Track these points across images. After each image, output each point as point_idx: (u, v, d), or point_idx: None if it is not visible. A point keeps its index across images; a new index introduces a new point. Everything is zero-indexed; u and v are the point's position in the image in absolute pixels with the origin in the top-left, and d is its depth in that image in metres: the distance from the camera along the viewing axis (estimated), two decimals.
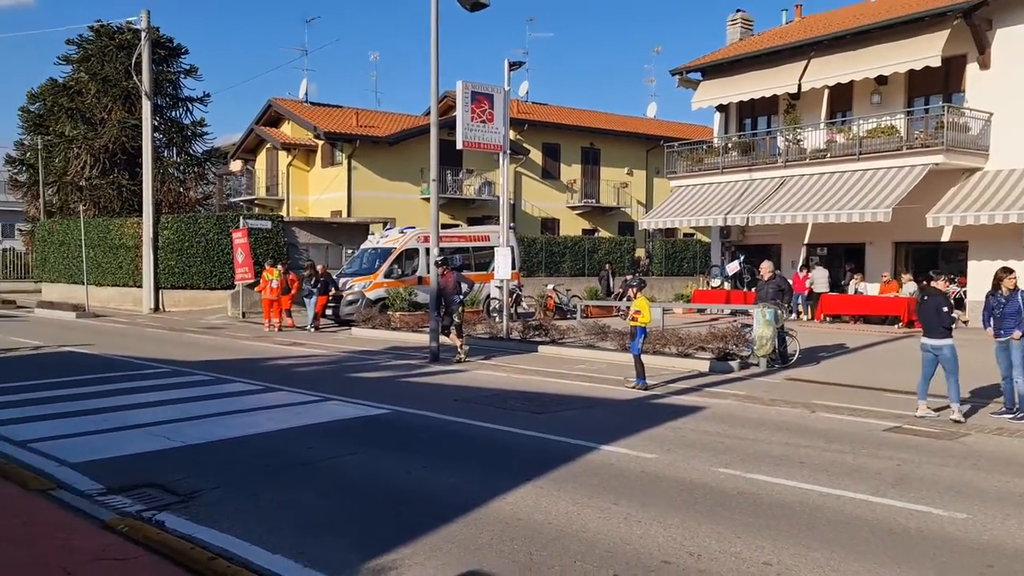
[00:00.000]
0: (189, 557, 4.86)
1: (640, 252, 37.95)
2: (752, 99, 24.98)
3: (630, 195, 41.54)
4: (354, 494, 6.40)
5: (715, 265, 27.40)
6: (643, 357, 11.85)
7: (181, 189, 35.83)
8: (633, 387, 11.59)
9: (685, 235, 40.45)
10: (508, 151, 17.36)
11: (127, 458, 7.37)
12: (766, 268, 14.63)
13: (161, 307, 26.44)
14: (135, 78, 27.65)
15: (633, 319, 11.88)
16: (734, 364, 13.40)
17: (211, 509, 5.93)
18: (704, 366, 13.39)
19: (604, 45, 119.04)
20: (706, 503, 6.15)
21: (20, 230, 50.16)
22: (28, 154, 38.02)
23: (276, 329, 20.27)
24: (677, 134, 37.80)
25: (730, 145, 26.09)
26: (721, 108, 26.89)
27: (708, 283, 27.46)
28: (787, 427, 9.01)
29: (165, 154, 34.68)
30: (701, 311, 24.47)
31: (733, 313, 21.56)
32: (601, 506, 6.05)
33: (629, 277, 29.11)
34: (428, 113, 16.76)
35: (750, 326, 14.18)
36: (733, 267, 25.21)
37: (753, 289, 19.08)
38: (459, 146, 16.48)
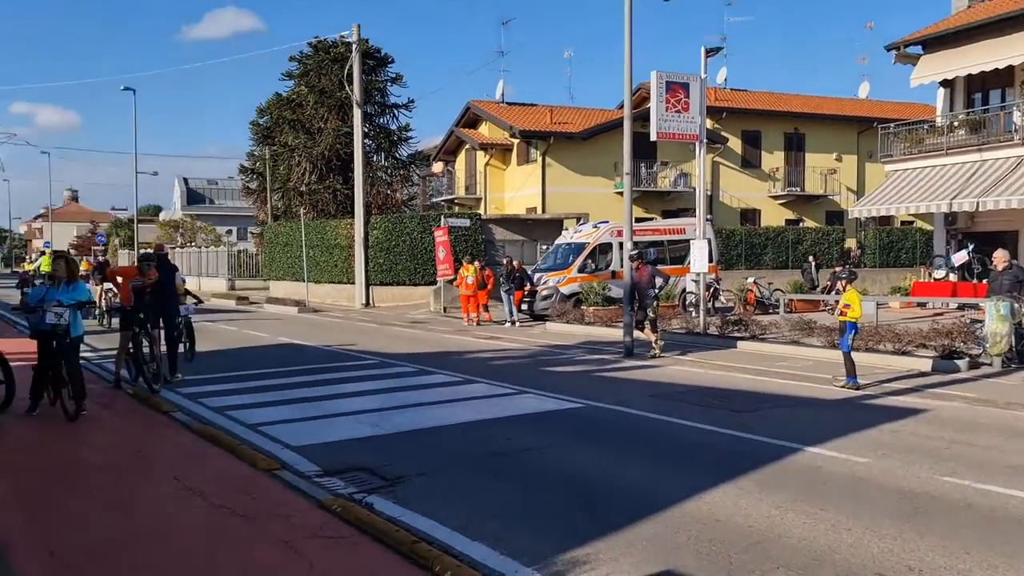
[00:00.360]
0: (394, 539, 5.10)
1: (851, 242, 35.58)
2: (983, 71, 22.57)
3: (838, 182, 39.03)
4: (550, 486, 6.46)
5: (939, 255, 25.11)
6: (854, 355, 11.07)
7: (389, 191, 37.96)
8: (842, 386, 10.87)
9: (903, 223, 37.43)
10: (704, 140, 16.85)
11: (340, 443, 7.88)
12: (1000, 257, 13.22)
13: (371, 302, 28.16)
14: (347, 88, 29.56)
15: (842, 313, 11.12)
16: (961, 363, 12.21)
17: (416, 494, 6.20)
18: (925, 365, 12.30)
19: (809, 25, 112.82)
20: (927, 514, 5.63)
21: (251, 233, 55.47)
22: (257, 163, 41.77)
23: (475, 324, 20.98)
24: (892, 115, 34.97)
25: (956, 123, 23.78)
26: (945, 83, 24.57)
27: (930, 275, 25.19)
28: None
29: (374, 159, 36.91)
30: (922, 305, 22.51)
31: (961, 307, 19.69)
32: (806, 511, 5.70)
33: (838, 269, 27.44)
34: (622, 106, 16.61)
35: (981, 321, 12.88)
36: (960, 257, 22.97)
37: (984, 281, 17.32)
38: (653, 137, 16.21)
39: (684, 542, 5.15)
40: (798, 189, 38.31)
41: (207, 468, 6.88)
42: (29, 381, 8.94)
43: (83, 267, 23.10)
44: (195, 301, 13.88)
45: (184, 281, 12.06)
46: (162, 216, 77.00)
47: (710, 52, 17.20)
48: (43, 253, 36.10)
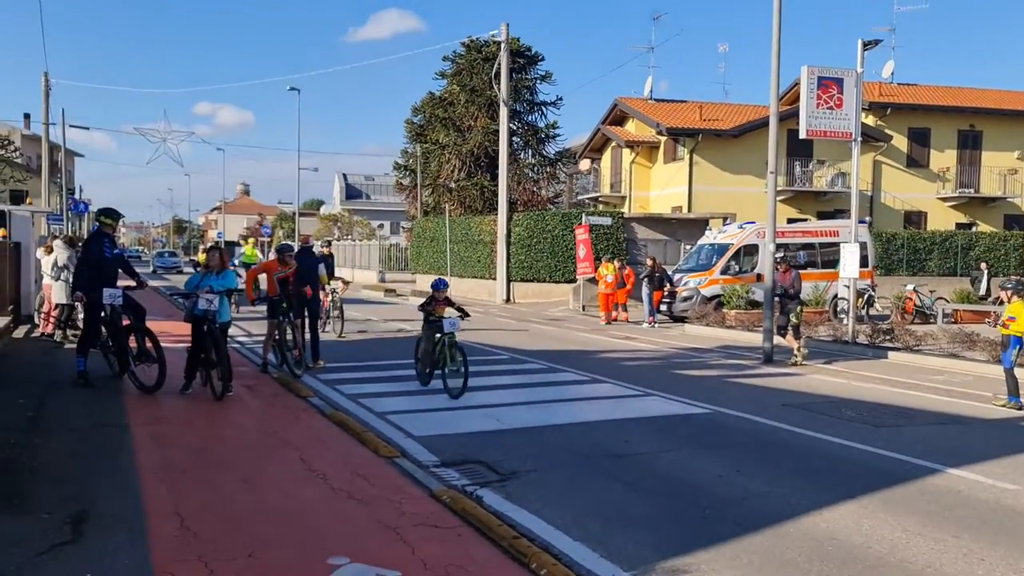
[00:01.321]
0: (496, 533, 5.18)
1: None
2: None
3: (1020, 183, 35.85)
4: (662, 491, 6.34)
5: None
6: (1019, 371, 10.18)
7: (535, 188, 38.37)
8: (1003, 405, 10.03)
9: None
10: (859, 138, 15.95)
11: (461, 435, 8.06)
12: None
13: (511, 298, 28.56)
14: (494, 86, 30.09)
15: (1005, 326, 10.24)
16: None
17: (526, 490, 6.26)
18: None
19: (989, 13, 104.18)
20: None
21: (403, 227, 57.60)
22: (410, 160, 43.31)
23: (610, 322, 20.90)
24: None
25: None
26: None
27: None
28: None
29: (521, 156, 37.42)
30: None
31: None
32: (936, 537, 5.31)
33: (1015, 278, 25.23)
34: (778, 102, 15.94)
35: None
36: None
37: None
38: (802, 135, 15.52)
39: (793, 559, 4.93)
40: (971, 190, 35.51)
41: (333, 452, 7.24)
42: (184, 362, 9.70)
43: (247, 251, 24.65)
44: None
45: (328, 273, 12.65)
46: (322, 210, 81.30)
47: (868, 45, 16.23)
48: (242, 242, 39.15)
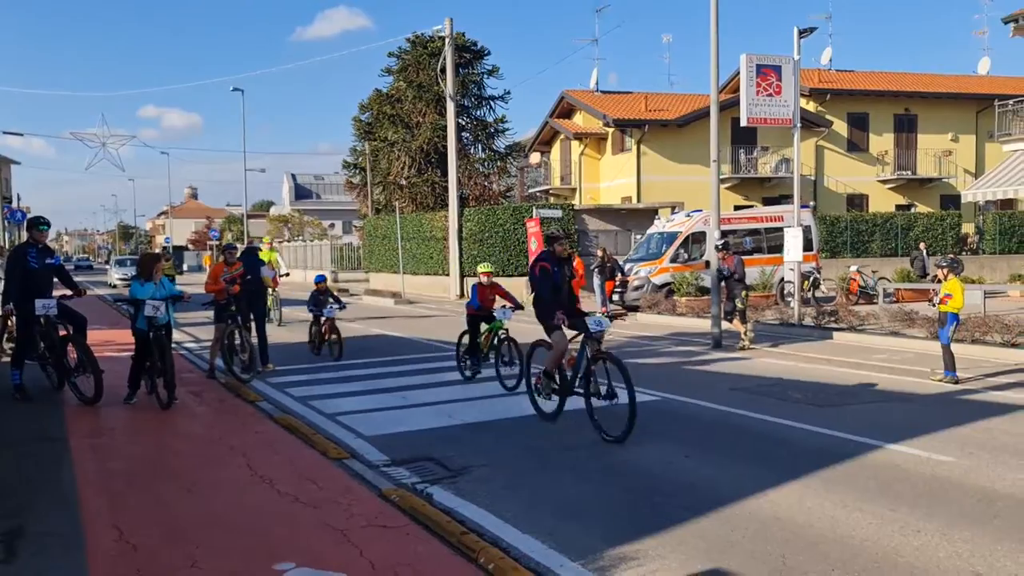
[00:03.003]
0: (445, 530, 5.17)
1: (968, 228, 33.59)
2: None
3: (955, 164, 36.89)
4: (612, 480, 6.39)
5: None
6: (955, 347, 10.49)
7: (486, 183, 38.32)
8: (940, 380, 10.31)
9: None
10: (799, 124, 16.23)
11: (413, 433, 8.02)
12: None
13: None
14: (440, 81, 29.96)
15: (943, 303, 10.54)
16: None
17: (476, 485, 6.26)
18: None
19: (921, 0, 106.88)
20: (1008, 517, 5.28)
21: (355, 226, 57.15)
22: (359, 158, 42.92)
23: None
24: (1015, 91, 32.75)
25: None
26: None
27: None
28: None
29: (471, 151, 37.33)
30: None
31: None
32: (875, 511, 5.45)
33: (954, 256, 25.97)
34: (719, 92, 16.03)
35: None
36: None
37: None
38: (743, 122, 15.75)
39: (738, 540, 5.01)
40: (909, 173, 36.44)
41: (280, 456, 7.14)
42: (128, 371, 9.49)
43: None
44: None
45: (275, 276, 12.46)
46: (272, 211, 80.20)
47: (804, 32, 16.51)
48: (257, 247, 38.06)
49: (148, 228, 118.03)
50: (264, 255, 16.01)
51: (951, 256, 11.23)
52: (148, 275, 9.29)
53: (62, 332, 9.79)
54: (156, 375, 9.19)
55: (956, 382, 10.17)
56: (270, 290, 16.09)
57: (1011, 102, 24.04)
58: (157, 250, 69.55)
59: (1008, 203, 33.61)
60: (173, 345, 10.28)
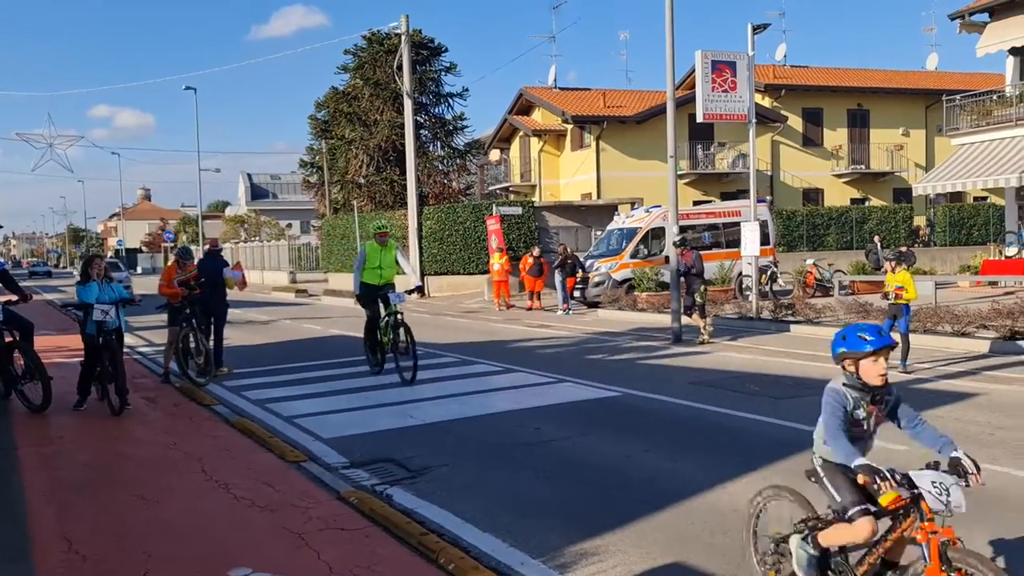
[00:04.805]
0: (404, 531, 5.12)
1: (919, 220, 34.31)
2: None
3: (906, 158, 37.66)
4: (572, 477, 6.39)
5: (1010, 231, 24.08)
6: (910, 337, 10.73)
7: (445, 181, 38.16)
8: (901, 371, 10.57)
9: (976, 199, 35.91)
10: (754, 120, 16.43)
11: (372, 434, 7.94)
12: None
13: (426, 293, 28.38)
14: (397, 79, 29.76)
15: (898, 296, 10.78)
16: None
17: (436, 486, 6.21)
18: (984, 347, 11.80)
19: None
20: None
21: (313, 226, 56.54)
22: (317, 157, 42.47)
23: (501, 308, 22.19)
24: (962, 86, 33.49)
25: None
26: (1015, 51, 23.44)
27: (1001, 252, 24.18)
28: None
29: (430, 148, 37.13)
30: (993, 284, 21.61)
31: None
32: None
33: (903, 249, 26.51)
34: (676, 88, 16.12)
35: None
36: None
37: None
38: (699, 119, 15.90)
39: (697, 534, 5.04)
40: (863, 167, 37.11)
41: (237, 461, 7.02)
42: (75, 378, 9.26)
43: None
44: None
45: (235, 276, 12.20)
46: (228, 211, 79.10)
47: (757, 29, 16.70)
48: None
49: (100, 230, 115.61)
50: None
51: (899, 250, 11.48)
52: (88, 277, 9.05)
53: (8, 339, 9.51)
54: (107, 381, 8.98)
55: (908, 372, 10.37)
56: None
57: (958, 97, 24.59)
58: (109, 253, 68.07)
59: (957, 196, 34.44)
60: (126, 349, 10.08)
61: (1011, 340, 11.81)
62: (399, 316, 11.07)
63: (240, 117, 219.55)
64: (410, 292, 11.86)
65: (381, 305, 11.28)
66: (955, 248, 31.38)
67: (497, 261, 23.10)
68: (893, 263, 10.96)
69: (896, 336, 10.31)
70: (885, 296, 11.00)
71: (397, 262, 11.60)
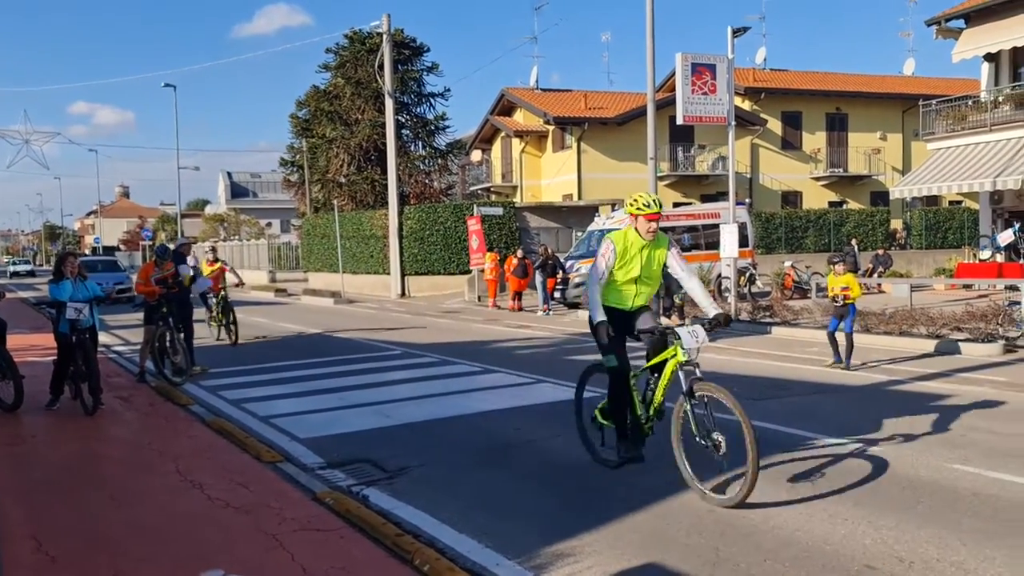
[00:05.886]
0: (381, 532, 5.09)
1: (896, 224, 34.67)
2: None
3: (883, 162, 38.06)
4: (549, 477, 6.39)
5: (984, 235, 24.38)
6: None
7: (427, 181, 38.10)
8: (831, 365, 11.14)
9: (951, 203, 36.36)
10: (733, 123, 16.54)
11: (349, 435, 7.90)
12: None
13: (407, 292, 28.32)
14: (378, 78, 29.67)
15: (845, 298, 11.06)
16: (996, 347, 11.81)
17: (414, 486, 6.19)
18: (958, 348, 11.95)
19: (852, 2, 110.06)
20: (931, 503, 5.44)
21: (293, 225, 56.24)
22: (297, 156, 42.26)
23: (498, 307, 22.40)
24: (938, 91, 33.90)
25: (1002, 98, 22.98)
26: (990, 57, 23.75)
27: (975, 255, 24.49)
28: None
29: (412, 148, 37.06)
30: (967, 287, 21.88)
31: (1009, 288, 19.08)
32: (806, 501, 5.55)
33: (880, 252, 26.78)
34: (657, 90, 16.23)
35: (1019, 303, 12.46)
36: (1006, 236, 22.29)
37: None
38: (679, 121, 15.99)
39: (673, 535, 5.05)
40: (841, 170, 37.46)
41: (212, 461, 6.97)
42: (48, 376, 9.15)
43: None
44: None
45: (191, 272, 12.02)
46: (207, 210, 78.46)
47: (737, 32, 16.82)
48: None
49: (76, 228, 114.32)
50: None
51: (840, 253, 11.76)
52: (61, 275, 8.95)
53: None
54: (81, 380, 8.88)
55: (844, 368, 10.81)
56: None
57: (935, 102, 24.86)
58: (86, 251, 67.21)
59: (933, 199, 34.83)
60: (101, 348, 9.96)
61: (983, 342, 11.98)
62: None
63: (221, 115, 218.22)
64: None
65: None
66: (931, 251, 31.75)
67: (489, 261, 23.27)
68: (840, 265, 11.35)
69: (841, 337, 10.74)
70: (834, 299, 11.26)
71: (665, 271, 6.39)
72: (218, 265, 15.91)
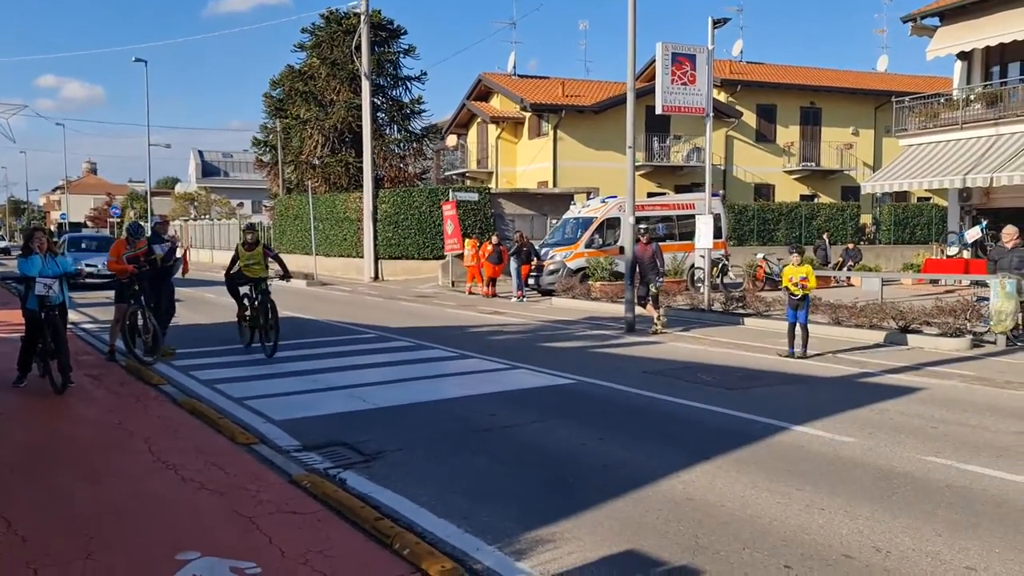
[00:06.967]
0: (359, 515, 5.06)
1: (865, 218, 35.10)
2: (1002, 43, 22.02)
3: (855, 157, 38.45)
4: (527, 463, 6.39)
5: (952, 232, 24.75)
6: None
7: (402, 165, 37.82)
8: (785, 356, 11.31)
9: (920, 199, 36.88)
10: (711, 114, 16.57)
11: (324, 417, 7.84)
12: (1009, 234, 12.99)
13: (380, 276, 28.15)
14: (355, 59, 29.34)
15: (803, 287, 11.22)
16: (964, 341, 12.01)
17: (391, 470, 6.16)
18: (927, 343, 12.15)
19: None
20: (905, 494, 5.52)
21: (265, 206, 55.60)
22: (270, 136, 41.66)
23: (472, 293, 22.48)
24: (911, 88, 34.30)
25: (973, 97, 23.28)
26: (963, 56, 24.02)
27: (943, 251, 24.86)
28: (1022, 414, 7.91)
29: (387, 132, 36.74)
30: (935, 282, 22.22)
31: (975, 284, 19.40)
32: (782, 491, 5.60)
33: (850, 246, 27.09)
34: (635, 79, 16.14)
35: (987, 299, 12.66)
36: (973, 233, 22.65)
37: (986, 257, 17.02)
38: (658, 110, 15.96)
39: (652, 522, 5.07)
40: (813, 164, 37.79)
41: (185, 441, 6.87)
42: (16, 353, 8.97)
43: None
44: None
45: (160, 250, 11.65)
46: (178, 188, 77.32)
47: (718, 23, 16.84)
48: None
49: (42, 203, 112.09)
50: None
51: (794, 245, 11.93)
52: (29, 250, 8.76)
53: None
54: (49, 357, 8.71)
55: (799, 357, 11.13)
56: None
57: (907, 99, 25.13)
58: (52, 227, 65.93)
59: (903, 195, 35.32)
60: (70, 326, 9.76)
61: (951, 336, 12.18)
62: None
63: (193, 93, 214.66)
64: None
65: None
66: (899, 246, 32.20)
67: (469, 247, 23.22)
68: (796, 256, 11.57)
69: (799, 328, 10.97)
70: (791, 292, 11.36)
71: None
72: (259, 249, 12.20)
